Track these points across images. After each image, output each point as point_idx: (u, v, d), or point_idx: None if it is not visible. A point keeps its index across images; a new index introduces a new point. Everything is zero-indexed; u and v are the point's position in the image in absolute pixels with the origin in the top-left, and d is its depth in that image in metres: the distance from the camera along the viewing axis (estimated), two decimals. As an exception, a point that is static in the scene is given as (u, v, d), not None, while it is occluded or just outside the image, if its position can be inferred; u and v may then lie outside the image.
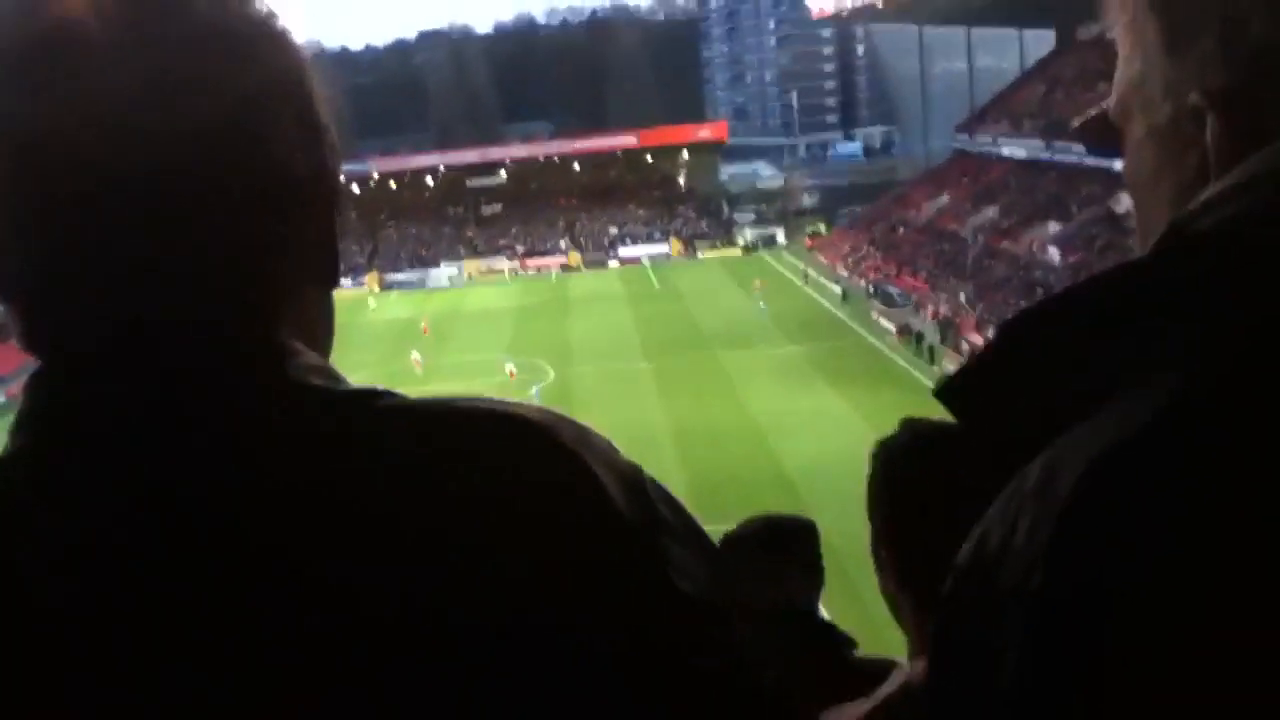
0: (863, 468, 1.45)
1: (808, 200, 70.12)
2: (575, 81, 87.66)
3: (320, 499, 0.57)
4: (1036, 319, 0.55)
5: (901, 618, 1.39)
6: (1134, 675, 0.41)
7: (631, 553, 0.60)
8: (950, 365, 23.85)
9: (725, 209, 62.17)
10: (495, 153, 66.34)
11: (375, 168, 60.54)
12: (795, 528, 2.01)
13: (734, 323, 37.59)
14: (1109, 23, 0.63)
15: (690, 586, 0.60)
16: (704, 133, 66.09)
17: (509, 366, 31.94)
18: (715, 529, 0.74)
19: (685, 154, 63.52)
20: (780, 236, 58.12)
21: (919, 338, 32.31)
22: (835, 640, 1.82)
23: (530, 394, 27.32)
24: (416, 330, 38.91)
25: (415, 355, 33.58)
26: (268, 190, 0.61)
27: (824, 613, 2.05)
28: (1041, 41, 52.42)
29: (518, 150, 67.12)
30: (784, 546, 1.95)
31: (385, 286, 52.97)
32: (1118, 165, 0.67)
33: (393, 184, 61.38)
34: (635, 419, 24.37)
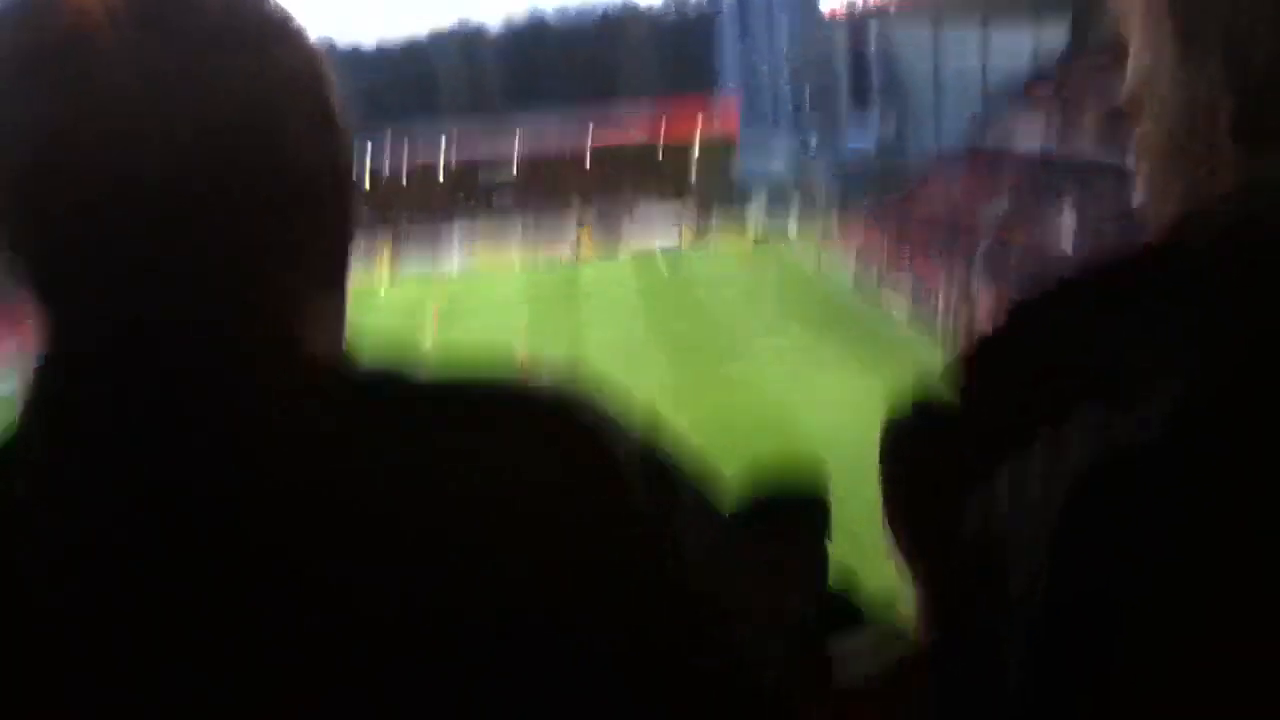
0: (875, 450, 1.49)
1: (820, 190, 69.87)
2: (587, 71, 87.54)
3: (320, 499, 0.56)
4: (1044, 302, 0.55)
5: (911, 589, 1.43)
6: (1137, 683, 0.40)
7: (639, 539, 0.59)
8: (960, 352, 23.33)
9: (737, 200, 62.09)
10: (506, 142, 66.29)
11: (386, 158, 60.61)
12: (805, 506, 2.04)
13: (746, 311, 37.54)
14: (1123, 13, 0.63)
15: (697, 568, 0.60)
16: (716, 124, 65.87)
17: (520, 355, 31.96)
18: (726, 503, 0.75)
19: (697, 146, 63.40)
20: (792, 227, 58.01)
21: (930, 325, 32.26)
22: (846, 612, 1.85)
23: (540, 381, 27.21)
24: (428, 318, 38.95)
25: (426, 342, 33.67)
26: (279, 189, 0.60)
27: (833, 583, 2.08)
28: (1055, 40, 52.15)
29: (529, 139, 67.07)
30: (794, 520, 1.98)
31: (397, 273, 53.09)
32: (1129, 161, 0.67)
33: (404, 174, 61.46)
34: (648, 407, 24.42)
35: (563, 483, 0.59)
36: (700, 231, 57.27)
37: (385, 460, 0.58)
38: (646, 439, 0.64)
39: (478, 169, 63.43)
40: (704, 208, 60.46)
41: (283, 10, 0.63)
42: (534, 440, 0.60)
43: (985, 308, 33.18)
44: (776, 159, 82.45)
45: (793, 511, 2.14)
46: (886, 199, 57.16)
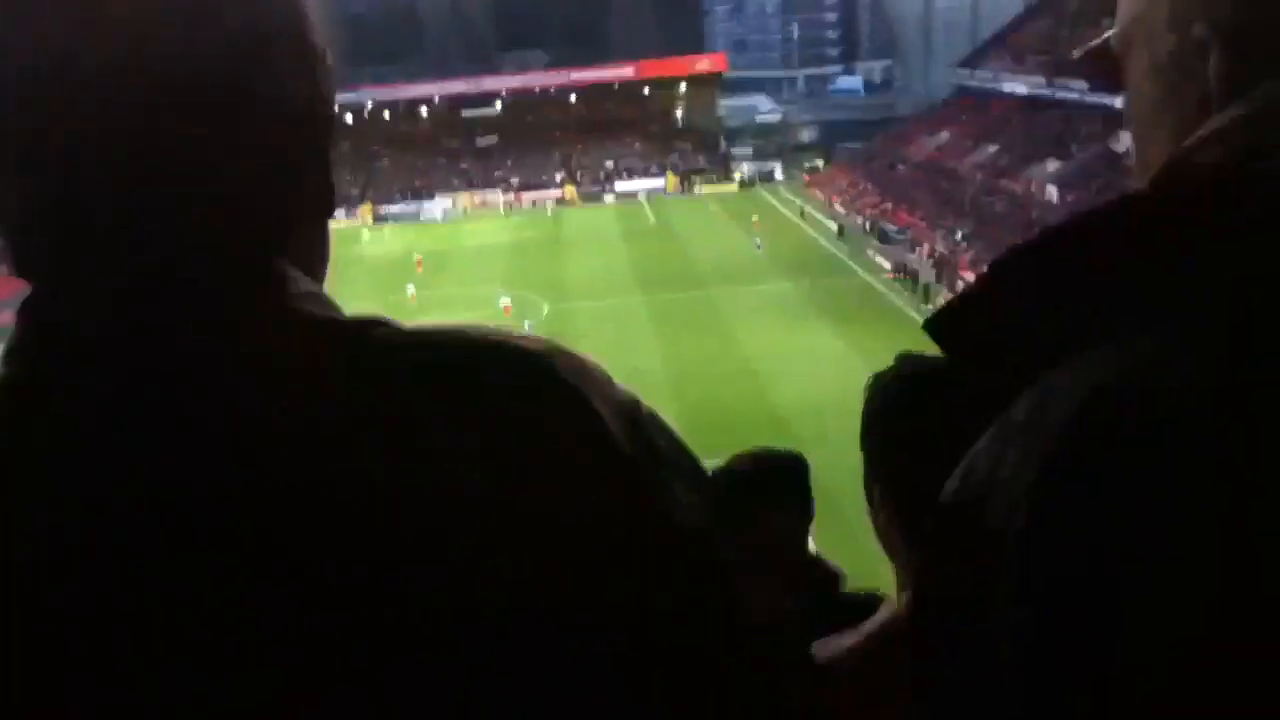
0: (856, 405, 1.45)
1: (806, 135, 69.56)
2: (572, 11, 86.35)
3: (301, 463, 0.56)
4: (1030, 254, 0.53)
5: (893, 553, 1.40)
6: (1128, 666, 0.40)
7: (632, 490, 0.59)
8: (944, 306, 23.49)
9: (722, 143, 61.68)
10: (490, 83, 65.42)
11: (369, 98, 59.82)
12: (785, 463, 2.02)
13: (729, 259, 37.50)
14: None
15: (687, 522, 0.60)
16: (702, 65, 65.25)
17: (504, 300, 31.89)
18: (708, 464, 0.75)
19: (683, 86, 62.82)
20: (778, 172, 57.76)
21: (914, 275, 32.29)
22: (824, 574, 1.84)
23: (524, 327, 27.21)
24: (410, 264, 38.70)
25: (410, 289, 33.50)
26: (266, 120, 0.61)
27: (814, 547, 2.07)
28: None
29: (513, 81, 66.18)
30: (774, 481, 1.96)
31: (379, 219, 52.62)
32: (1118, 103, 0.66)
33: (386, 114, 60.71)
34: (629, 354, 24.41)
35: (548, 439, 0.59)
36: (684, 175, 56.89)
37: (366, 416, 0.57)
38: (627, 394, 0.64)
39: (461, 107, 62.65)
40: (688, 151, 60.03)
41: None
42: (527, 376, 0.60)
43: (970, 256, 33.30)
44: (763, 101, 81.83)
45: (773, 471, 2.14)
46: (872, 144, 56.96)
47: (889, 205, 43.22)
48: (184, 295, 0.58)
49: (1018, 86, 45.66)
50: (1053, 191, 36.36)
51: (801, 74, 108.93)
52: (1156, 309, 0.46)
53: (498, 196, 56.47)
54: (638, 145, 60.69)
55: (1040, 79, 42.60)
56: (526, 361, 0.61)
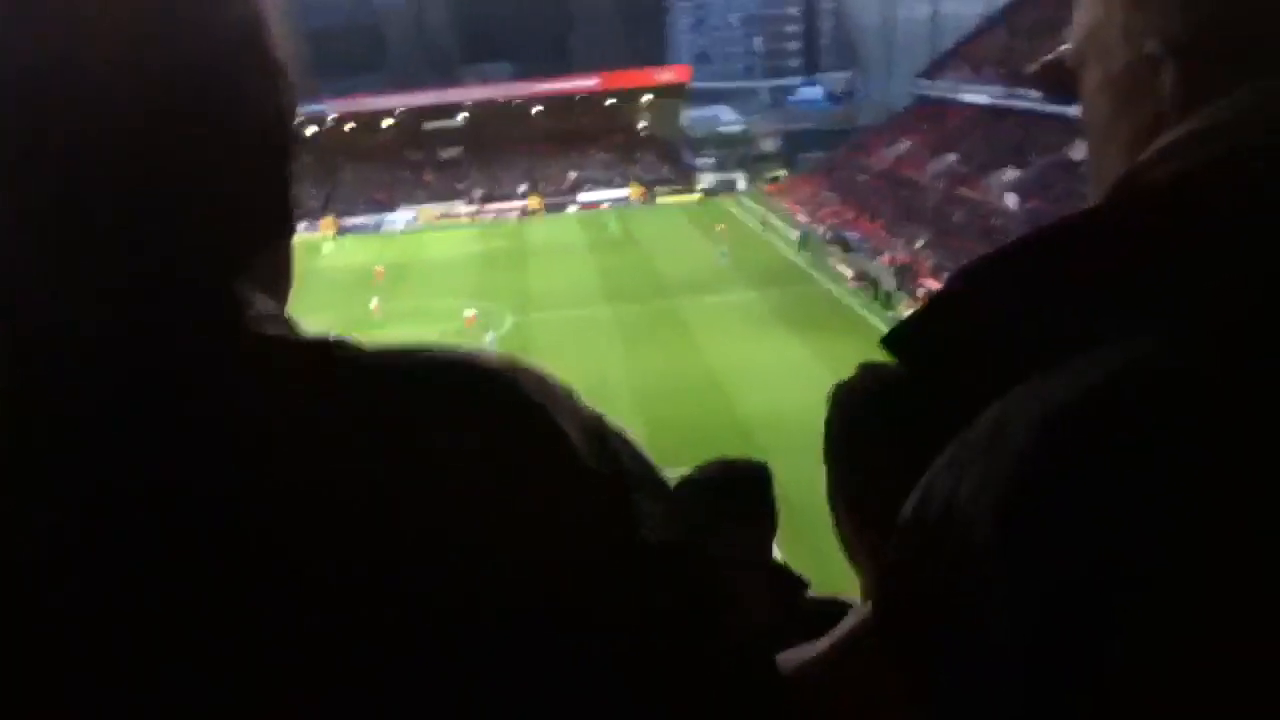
0: (820, 415, 1.45)
1: (769, 145, 69.80)
2: (536, 24, 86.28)
3: (265, 473, 0.55)
4: (988, 268, 0.53)
5: (857, 562, 1.41)
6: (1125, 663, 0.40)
7: (599, 509, 0.59)
8: (906, 312, 23.48)
9: (686, 154, 61.80)
10: (454, 95, 65.19)
11: (331, 110, 59.40)
12: (749, 472, 2.03)
13: (693, 269, 37.51)
14: None
15: (655, 539, 0.60)
16: (666, 76, 65.35)
17: (468, 312, 31.72)
18: (673, 474, 0.75)
19: (647, 98, 62.92)
20: (741, 182, 57.93)
21: (875, 284, 32.49)
22: (789, 582, 1.84)
23: (486, 340, 27.18)
24: (373, 276, 38.44)
25: (374, 301, 33.25)
26: (228, 138, 0.60)
27: (779, 555, 2.08)
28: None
29: (477, 93, 65.98)
30: (738, 491, 1.97)
31: (341, 231, 52.19)
32: (1075, 111, 0.67)
33: (349, 126, 60.30)
34: (593, 366, 24.34)
35: (512, 452, 0.58)
36: (648, 185, 56.97)
37: (329, 433, 0.57)
38: (590, 410, 0.64)
39: (424, 119, 62.34)
40: (652, 161, 60.14)
41: None
42: (479, 410, 0.60)
43: (930, 264, 33.57)
44: (726, 112, 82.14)
45: (737, 480, 2.14)
46: (834, 154, 57.32)
47: (850, 214, 43.50)
48: (184, 295, 0.58)
49: (977, 96, 46.14)
50: (1011, 199, 36.74)
51: (765, 85, 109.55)
52: (1126, 320, 0.46)
53: (461, 208, 56.19)
54: (601, 156, 60.69)
55: (999, 88, 43.07)
56: (488, 383, 0.61)
